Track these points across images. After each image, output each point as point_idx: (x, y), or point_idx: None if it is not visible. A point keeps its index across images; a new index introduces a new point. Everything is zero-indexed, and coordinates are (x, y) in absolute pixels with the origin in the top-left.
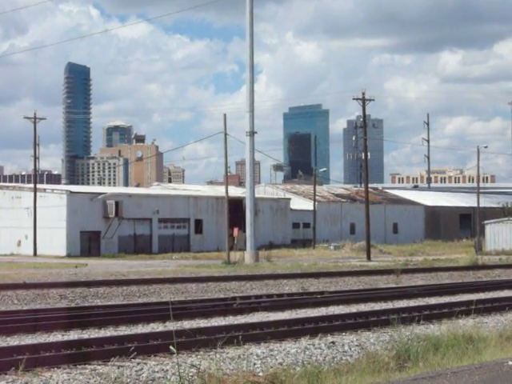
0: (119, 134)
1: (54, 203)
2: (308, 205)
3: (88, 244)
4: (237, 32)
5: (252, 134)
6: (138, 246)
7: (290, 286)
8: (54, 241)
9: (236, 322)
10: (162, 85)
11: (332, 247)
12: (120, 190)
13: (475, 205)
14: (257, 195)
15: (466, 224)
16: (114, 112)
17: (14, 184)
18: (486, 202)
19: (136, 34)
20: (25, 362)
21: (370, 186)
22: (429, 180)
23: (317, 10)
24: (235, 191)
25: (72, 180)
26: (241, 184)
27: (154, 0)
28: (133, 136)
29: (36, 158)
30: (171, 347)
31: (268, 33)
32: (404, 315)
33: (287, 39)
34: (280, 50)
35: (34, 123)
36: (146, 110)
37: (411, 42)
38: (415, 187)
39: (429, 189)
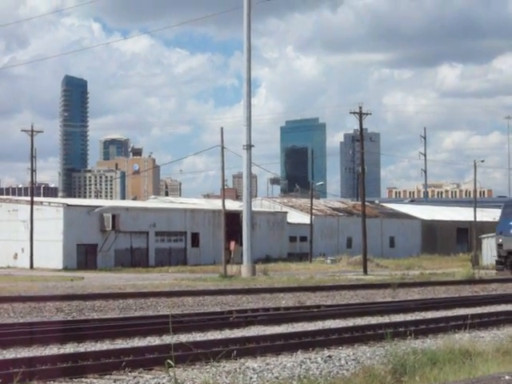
0: (116, 147)
1: (51, 216)
2: (305, 218)
3: (85, 257)
4: (237, 46)
5: (249, 147)
6: (134, 260)
7: (287, 300)
8: (51, 254)
9: (232, 336)
10: (162, 98)
11: (329, 261)
12: (117, 203)
13: (472, 219)
14: (254, 209)
15: (462, 238)
16: (113, 125)
17: (10, 197)
18: (483, 216)
19: (137, 48)
20: (21, 375)
21: (366, 199)
22: (426, 194)
23: (317, 24)
24: (232, 205)
25: (69, 193)
26: (238, 197)
27: (155, 14)
28: (130, 149)
29: (33, 170)
30: (169, 361)
31: (268, 47)
32: (400, 329)
33: (287, 53)
34: (280, 64)
35: (31, 136)
36: (145, 124)
37: (410, 57)
38: (412, 201)
39: (426, 202)
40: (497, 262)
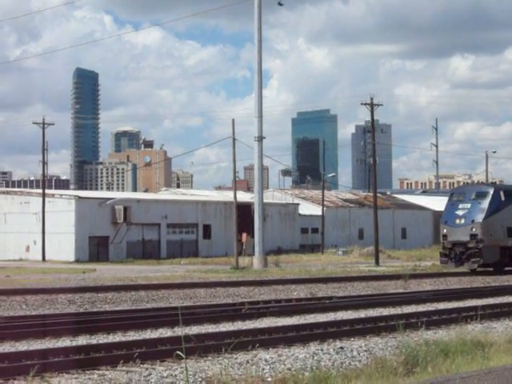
0: (127, 140)
1: (63, 208)
2: (316, 210)
3: (96, 249)
4: (248, 38)
5: (260, 139)
6: (146, 251)
7: (299, 291)
8: (63, 246)
9: (244, 328)
10: (174, 90)
11: (340, 252)
12: (128, 195)
13: None
14: (265, 200)
15: None
16: (124, 117)
17: (22, 189)
18: None
19: (148, 40)
20: (34, 367)
21: (378, 191)
22: (437, 185)
23: (328, 16)
24: (244, 196)
25: (80, 185)
26: (249, 189)
27: (167, 7)
28: (141, 141)
29: (44, 163)
30: (179, 352)
31: (280, 39)
32: (412, 320)
33: (299, 45)
34: (291, 55)
35: (43, 129)
36: (157, 116)
37: (422, 48)
38: (424, 192)
39: (438, 193)
40: (441, 254)
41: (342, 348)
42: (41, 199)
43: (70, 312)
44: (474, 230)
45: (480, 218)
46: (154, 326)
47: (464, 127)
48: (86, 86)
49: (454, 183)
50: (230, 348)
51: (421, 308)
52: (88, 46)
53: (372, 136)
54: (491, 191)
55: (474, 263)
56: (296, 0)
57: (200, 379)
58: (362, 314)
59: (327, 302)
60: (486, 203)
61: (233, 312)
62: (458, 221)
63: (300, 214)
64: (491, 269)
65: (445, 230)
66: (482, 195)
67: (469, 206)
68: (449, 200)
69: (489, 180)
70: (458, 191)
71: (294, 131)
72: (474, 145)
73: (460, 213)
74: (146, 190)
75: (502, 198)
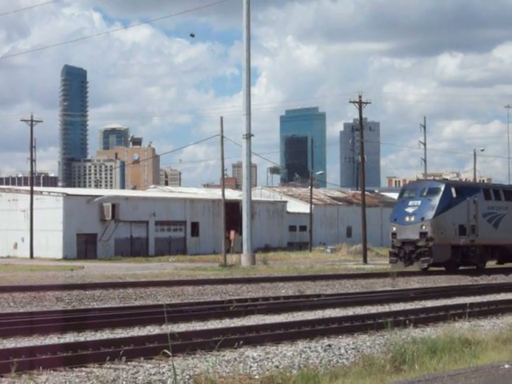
0: (116, 137)
1: (51, 206)
2: (305, 208)
3: (84, 247)
4: (237, 36)
5: (248, 136)
6: (134, 249)
7: (287, 289)
8: (51, 243)
9: (232, 325)
10: (163, 88)
11: (328, 250)
12: (116, 192)
13: None
14: (253, 198)
15: None
16: (113, 115)
17: (10, 186)
18: None
19: (137, 37)
20: (21, 364)
21: (366, 189)
22: None
23: (317, 14)
24: (232, 194)
25: (69, 182)
26: (237, 187)
27: (156, 4)
28: (129, 139)
29: (32, 160)
30: (165, 350)
31: (269, 36)
32: (400, 318)
33: (287, 43)
34: (280, 53)
35: (31, 126)
36: (145, 113)
37: (411, 46)
38: None
39: None
40: (390, 253)
41: (329, 346)
42: (29, 196)
43: (57, 309)
44: (423, 227)
45: (430, 215)
46: (142, 323)
47: (452, 125)
48: (75, 84)
49: None
50: (218, 345)
51: (409, 306)
52: (77, 44)
53: (360, 134)
54: (442, 187)
55: (424, 262)
56: None
57: (188, 377)
58: (350, 311)
59: (315, 299)
60: (436, 200)
61: (220, 309)
62: (407, 218)
63: (288, 212)
64: (443, 268)
65: (394, 228)
66: (432, 192)
67: (419, 202)
68: (399, 197)
69: (477, 178)
70: (409, 188)
71: (282, 129)
72: (463, 143)
73: (410, 210)
74: (134, 188)
75: (454, 195)
